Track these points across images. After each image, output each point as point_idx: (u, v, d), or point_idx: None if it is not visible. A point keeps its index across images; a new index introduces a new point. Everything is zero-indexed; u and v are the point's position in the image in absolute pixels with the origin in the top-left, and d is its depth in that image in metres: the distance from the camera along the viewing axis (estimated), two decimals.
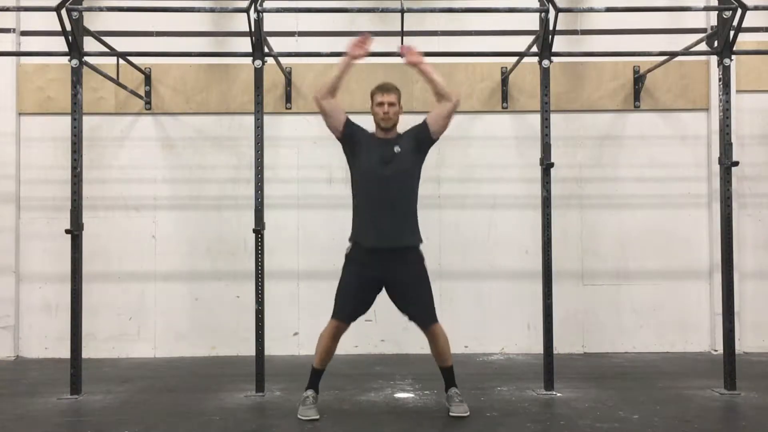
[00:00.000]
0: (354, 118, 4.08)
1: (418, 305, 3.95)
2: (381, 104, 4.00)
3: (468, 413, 3.95)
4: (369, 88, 4.26)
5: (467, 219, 5.90)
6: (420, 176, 4.06)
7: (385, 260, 3.89)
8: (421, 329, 3.99)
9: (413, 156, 4.01)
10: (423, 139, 4.04)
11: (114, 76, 5.25)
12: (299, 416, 3.91)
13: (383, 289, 4.00)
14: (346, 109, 4.43)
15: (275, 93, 5.87)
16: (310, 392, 4.01)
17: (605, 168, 5.94)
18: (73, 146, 4.48)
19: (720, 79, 4.54)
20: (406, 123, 4.20)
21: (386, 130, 4.02)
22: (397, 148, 3.97)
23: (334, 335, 4.00)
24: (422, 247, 4.01)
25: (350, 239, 4.04)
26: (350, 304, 3.98)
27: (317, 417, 3.92)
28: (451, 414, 3.96)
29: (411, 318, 4.00)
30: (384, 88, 4.05)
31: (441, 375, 4.04)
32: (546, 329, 4.49)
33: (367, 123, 4.15)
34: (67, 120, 4.60)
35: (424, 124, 4.07)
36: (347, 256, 4.03)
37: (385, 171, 3.93)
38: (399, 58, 4.57)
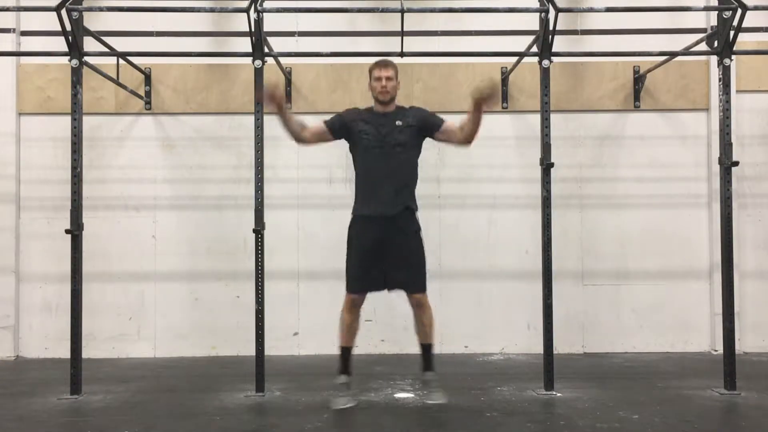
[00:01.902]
0: None
1: (411, 270, 4.08)
2: (379, 78, 4.11)
3: (445, 400, 4.10)
4: (368, 87, 4.30)
5: (467, 219, 5.90)
6: (420, 153, 4.21)
7: (383, 227, 4.03)
8: (410, 297, 4.12)
9: (414, 133, 4.13)
10: (427, 129, 4.17)
11: (114, 76, 5.25)
12: (333, 407, 4.03)
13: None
14: (347, 107, 4.47)
15: None
16: (341, 378, 4.16)
17: (605, 168, 5.94)
18: (73, 146, 4.48)
19: (720, 79, 4.54)
20: None
21: (384, 103, 4.14)
22: (398, 122, 4.11)
23: (350, 308, 4.13)
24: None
25: (352, 212, 4.17)
26: (361, 277, 4.10)
27: (351, 405, 4.06)
28: (429, 402, 4.11)
29: (402, 285, 4.10)
30: (381, 63, 4.17)
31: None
32: (546, 329, 4.49)
33: None
34: (67, 120, 4.60)
35: (436, 123, 4.17)
36: (350, 230, 4.17)
37: (385, 141, 4.07)
38: (398, 57, 4.60)
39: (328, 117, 4.34)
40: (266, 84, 4.12)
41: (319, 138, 4.22)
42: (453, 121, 4.20)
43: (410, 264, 4.10)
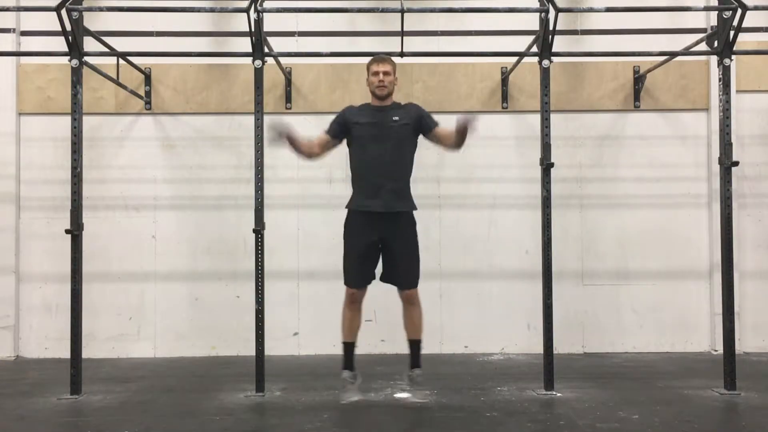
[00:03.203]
0: None
1: (404, 266, 4.15)
2: (376, 73, 4.18)
3: (427, 400, 4.17)
4: (366, 83, 4.33)
5: (467, 219, 5.90)
6: (415, 149, 4.27)
7: (380, 221, 4.08)
8: (401, 292, 4.19)
9: (410, 130, 4.19)
10: (420, 128, 4.24)
11: (114, 76, 5.25)
12: (341, 401, 4.13)
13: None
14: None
15: (275, 93, 5.87)
16: (346, 373, 4.24)
17: (605, 168, 5.94)
18: (73, 146, 4.48)
19: (720, 79, 4.54)
20: None
21: (381, 98, 4.20)
22: (395, 118, 4.16)
23: (350, 303, 4.20)
24: (417, 231, 4.26)
25: (347, 206, 4.22)
26: (358, 270, 4.15)
27: (359, 398, 4.17)
28: (414, 399, 4.21)
29: (394, 280, 4.17)
30: (379, 59, 4.24)
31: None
32: (546, 329, 4.49)
33: None
34: (67, 120, 4.60)
35: (429, 125, 4.23)
36: (346, 224, 4.22)
37: (381, 137, 4.12)
38: (398, 57, 4.61)
39: (327, 117, 4.38)
40: (272, 123, 4.14)
41: (326, 148, 4.30)
42: (445, 127, 4.26)
43: (404, 259, 4.14)
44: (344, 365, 4.26)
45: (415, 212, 4.24)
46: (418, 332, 4.26)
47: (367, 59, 4.36)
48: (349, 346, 4.25)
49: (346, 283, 4.19)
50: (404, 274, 4.15)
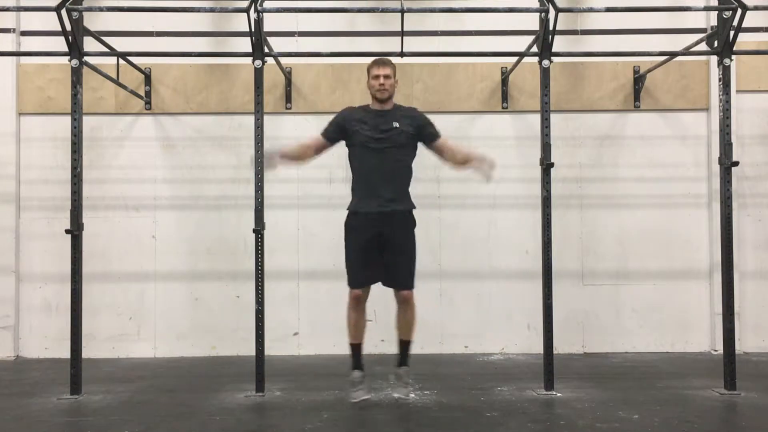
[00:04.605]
0: None
1: (402, 267, 4.15)
2: (377, 77, 4.19)
3: (410, 397, 4.24)
4: (366, 85, 4.33)
5: (467, 219, 5.90)
6: (415, 154, 4.28)
7: (380, 223, 4.09)
8: (397, 293, 4.19)
9: (410, 137, 4.21)
10: (421, 137, 4.25)
11: (114, 76, 5.25)
12: (351, 400, 4.14)
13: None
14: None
15: (275, 93, 5.87)
16: (355, 373, 4.25)
17: (605, 168, 5.94)
18: (73, 146, 4.48)
19: (720, 79, 4.54)
20: None
21: (382, 101, 4.22)
22: (396, 123, 4.17)
23: (355, 305, 4.20)
24: (417, 231, 4.27)
25: (348, 208, 4.23)
26: (360, 271, 4.16)
27: (368, 397, 4.19)
28: (394, 395, 4.27)
29: (391, 281, 4.18)
30: (380, 62, 4.24)
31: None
32: (546, 329, 4.49)
33: None
34: (67, 120, 4.61)
35: (431, 135, 4.26)
36: (346, 226, 4.23)
37: (382, 140, 4.13)
38: (398, 57, 4.61)
39: (327, 117, 4.39)
40: (265, 154, 4.41)
41: (320, 150, 4.32)
42: (445, 141, 4.29)
43: (402, 261, 4.15)
44: (353, 366, 4.27)
45: (414, 212, 4.24)
46: (410, 333, 4.25)
47: (367, 59, 4.37)
48: (356, 347, 4.26)
49: (349, 284, 4.19)
50: (401, 275, 4.15)
